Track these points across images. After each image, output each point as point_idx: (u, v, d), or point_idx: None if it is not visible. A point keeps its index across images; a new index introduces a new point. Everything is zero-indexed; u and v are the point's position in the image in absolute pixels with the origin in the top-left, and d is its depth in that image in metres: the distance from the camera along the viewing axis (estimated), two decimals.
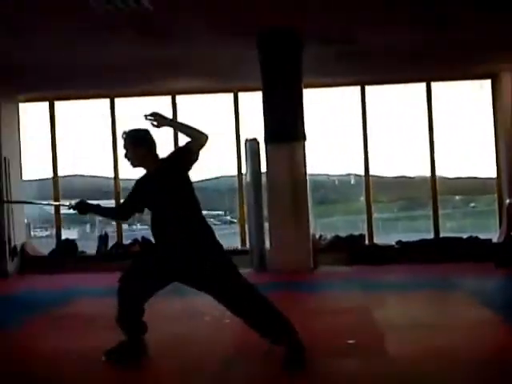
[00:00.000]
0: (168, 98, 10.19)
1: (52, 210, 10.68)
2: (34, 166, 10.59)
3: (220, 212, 13.46)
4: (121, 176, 10.34)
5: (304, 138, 8.86)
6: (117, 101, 10.32)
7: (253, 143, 9.11)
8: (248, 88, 9.72)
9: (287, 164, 8.85)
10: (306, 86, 8.91)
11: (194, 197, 4.06)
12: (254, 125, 9.38)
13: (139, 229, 12.25)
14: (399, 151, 10.21)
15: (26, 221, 10.30)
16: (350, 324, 5.06)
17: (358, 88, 9.84)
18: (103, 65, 9.17)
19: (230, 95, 10.08)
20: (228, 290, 3.92)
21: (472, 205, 11.94)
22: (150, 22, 7.49)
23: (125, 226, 10.62)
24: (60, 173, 10.54)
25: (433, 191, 9.75)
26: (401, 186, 11.64)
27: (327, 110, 10.13)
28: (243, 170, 9.64)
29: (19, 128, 10.18)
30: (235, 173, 10.19)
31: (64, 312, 6.09)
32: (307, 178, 8.99)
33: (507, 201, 9.03)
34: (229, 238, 11.12)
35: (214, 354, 4.28)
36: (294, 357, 3.78)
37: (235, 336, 4.74)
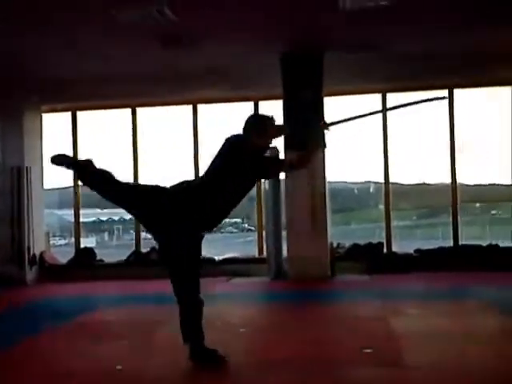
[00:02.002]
0: (189, 108, 10.26)
1: (71, 218, 10.78)
2: (55, 174, 10.70)
3: (238, 219, 13.50)
4: (141, 183, 10.39)
5: (324, 145, 8.84)
6: (138, 110, 10.41)
7: (273, 151, 9.11)
8: (268, 97, 9.75)
9: (306, 172, 8.83)
10: (327, 94, 8.94)
11: None
12: None
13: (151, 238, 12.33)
14: (419, 158, 10.15)
15: (45, 229, 10.41)
16: (368, 333, 5.04)
17: (379, 96, 9.80)
18: (125, 75, 9.29)
19: (251, 104, 10.11)
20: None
21: (493, 212, 11.82)
22: (173, 33, 7.59)
23: (142, 235, 10.70)
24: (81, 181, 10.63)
25: (453, 198, 9.67)
26: (420, 194, 11.57)
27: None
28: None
29: (42, 138, 10.33)
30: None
31: (83, 320, 6.15)
32: (326, 185, 9.00)
33: None
34: (246, 245, 11.15)
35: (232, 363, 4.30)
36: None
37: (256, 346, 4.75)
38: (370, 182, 11.09)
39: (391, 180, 9.95)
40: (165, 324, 5.67)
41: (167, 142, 10.57)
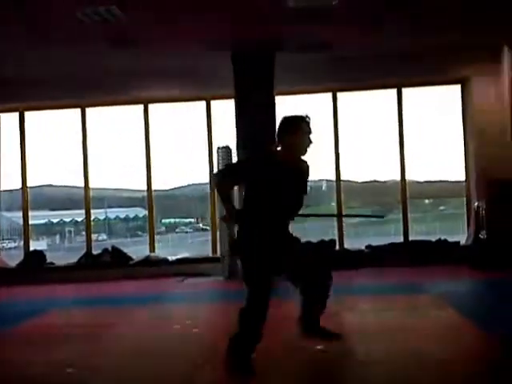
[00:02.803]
0: (140, 107, 10.14)
1: (20, 220, 10.54)
2: (2, 176, 10.46)
3: (192, 219, 13.42)
4: (91, 185, 10.26)
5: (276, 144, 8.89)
6: (88, 110, 10.24)
7: (225, 150, 9.12)
8: (220, 96, 9.72)
9: None
10: (279, 94, 8.99)
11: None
12: (227, 132, 9.39)
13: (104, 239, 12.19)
14: (370, 156, 10.29)
15: None
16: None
17: (330, 94, 9.90)
18: (75, 74, 9.15)
19: (203, 103, 10.06)
20: None
21: (441, 208, 12.07)
22: (124, 33, 7.50)
23: (93, 237, 10.57)
24: (30, 183, 10.42)
25: (402, 195, 9.84)
26: (372, 191, 11.72)
27: None
28: None
29: None
30: (208, 180, 10.15)
31: (31, 324, 6.01)
32: None
33: (475, 203, 9.16)
34: (201, 245, 11.09)
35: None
36: None
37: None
38: (322, 180, 11.17)
39: (343, 178, 10.06)
40: (114, 326, 5.61)
41: (118, 142, 10.44)
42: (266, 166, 3.95)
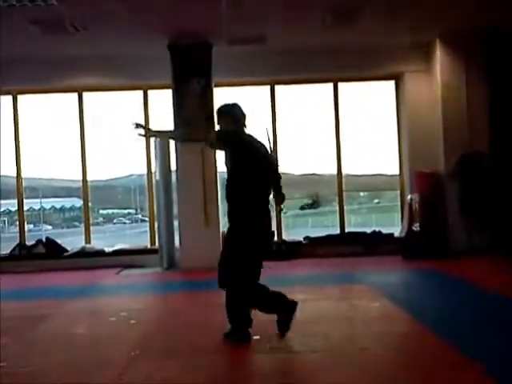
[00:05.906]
0: (74, 95, 9.91)
1: None
2: None
3: (131, 210, 13.30)
4: (24, 175, 9.98)
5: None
6: (20, 98, 9.92)
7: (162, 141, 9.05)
8: (158, 86, 9.62)
9: (198, 162, 8.87)
10: (217, 85, 8.97)
11: None
12: (164, 123, 9.31)
13: (44, 229, 11.93)
14: (308, 150, 10.40)
15: None
16: (258, 319, 5.11)
17: (268, 87, 9.95)
18: (5, 60, 8.83)
19: (140, 93, 9.92)
20: None
21: (376, 201, 12.38)
22: (57, 18, 7.30)
23: (27, 227, 10.28)
24: None
25: (338, 188, 10.01)
26: (310, 184, 11.88)
27: None
28: (153, 168, 9.55)
29: None
30: (145, 171, 10.04)
31: None
32: (217, 175, 9.05)
33: (409, 196, 9.41)
34: (139, 236, 10.99)
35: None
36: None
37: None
38: None
39: (282, 170, 10.10)
40: (46, 319, 5.50)
41: (50, 131, 10.18)
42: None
